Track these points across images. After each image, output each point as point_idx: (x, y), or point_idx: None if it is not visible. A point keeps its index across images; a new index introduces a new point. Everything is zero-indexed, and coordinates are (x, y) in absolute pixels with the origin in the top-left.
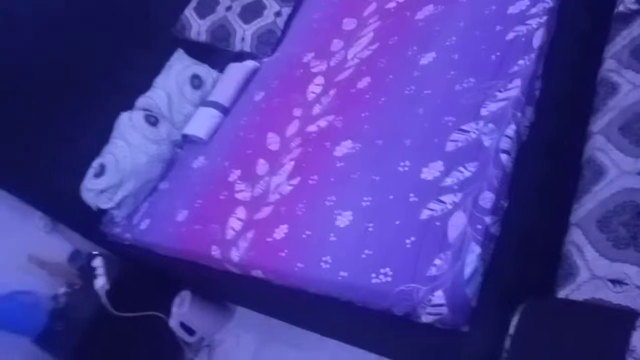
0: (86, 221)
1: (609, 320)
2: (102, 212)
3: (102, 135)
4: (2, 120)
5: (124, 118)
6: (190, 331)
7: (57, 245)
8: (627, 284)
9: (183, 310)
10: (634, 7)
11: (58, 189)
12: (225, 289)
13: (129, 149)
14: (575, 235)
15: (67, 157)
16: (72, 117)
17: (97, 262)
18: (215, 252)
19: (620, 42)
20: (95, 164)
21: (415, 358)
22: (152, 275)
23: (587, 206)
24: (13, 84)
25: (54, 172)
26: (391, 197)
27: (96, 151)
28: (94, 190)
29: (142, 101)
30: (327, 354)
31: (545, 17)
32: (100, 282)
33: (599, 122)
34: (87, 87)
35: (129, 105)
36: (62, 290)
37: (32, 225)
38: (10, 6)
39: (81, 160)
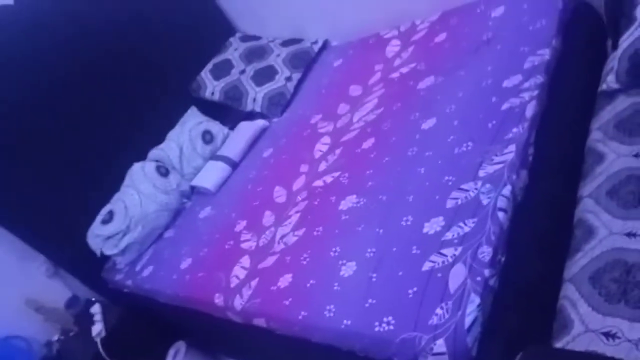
0: (87, 268)
1: None
2: (105, 259)
3: (112, 184)
4: (15, 164)
5: (137, 168)
6: None
7: (56, 291)
8: (619, 338)
9: None
10: (615, 86)
11: (63, 234)
12: (223, 340)
13: (139, 197)
14: (569, 291)
15: (75, 203)
16: (84, 165)
17: (95, 309)
18: (219, 299)
19: (605, 116)
20: (104, 210)
21: None
22: (148, 324)
23: (579, 263)
24: (29, 127)
25: (61, 217)
26: (394, 249)
27: (105, 199)
28: (101, 236)
29: (154, 153)
30: None
31: (536, 91)
32: (97, 329)
33: (588, 187)
34: (101, 136)
35: (141, 157)
36: (56, 336)
37: (33, 268)
38: (32, 60)
39: (89, 207)
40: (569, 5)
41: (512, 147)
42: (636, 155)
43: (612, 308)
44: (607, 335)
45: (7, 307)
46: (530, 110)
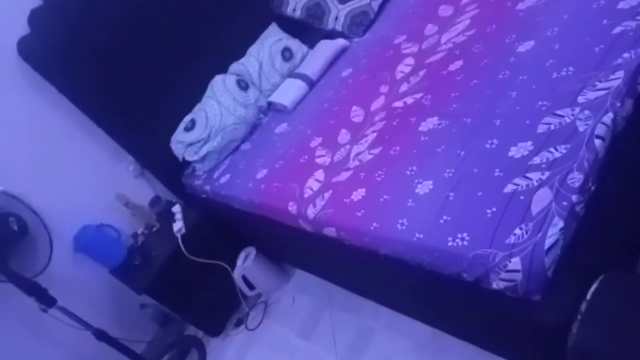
0: (169, 172)
1: None
2: (185, 165)
3: (195, 95)
4: (113, 71)
5: (218, 80)
6: (250, 286)
7: (142, 190)
8: None
9: (247, 264)
10: None
11: (149, 138)
12: (291, 249)
13: (219, 109)
14: None
15: (163, 110)
16: (171, 76)
17: (177, 209)
18: (292, 207)
19: None
20: (187, 118)
21: (477, 327)
22: (222, 228)
23: None
24: (127, 39)
25: (149, 123)
26: (475, 170)
27: (188, 108)
28: (183, 142)
29: (235, 67)
30: (382, 323)
31: None
32: (178, 226)
33: None
34: (187, 49)
35: (222, 70)
36: (141, 230)
37: (123, 168)
38: None
39: (173, 115)
40: None
41: (620, 74)
42: None
43: None
44: None
45: (102, 199)
46: None
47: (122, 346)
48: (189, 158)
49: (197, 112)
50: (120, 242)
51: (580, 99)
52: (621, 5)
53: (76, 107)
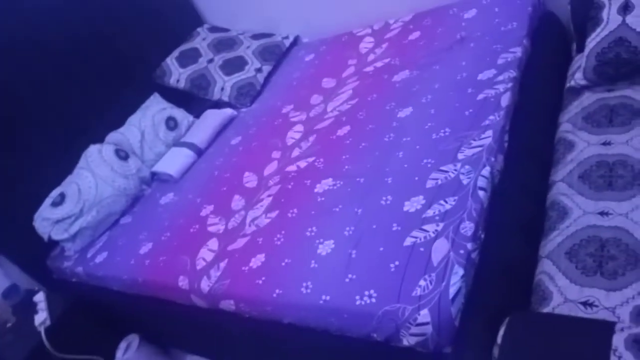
0: (29, 255)
1: (591, 328)
2: (52, 246)
3: (65, 168)
4: None
5: (93, 150)
6: None
7: None
8: (597, 306)
9: (128, 355)
10: (583, 82)
11: (6, 218)
12: (181, 332)
13: (95, 180)
14: (546, 266)
15: (21, 185)
16: (37, 147)
17: (39, 297)
18: (183, 282)
19: (573, 110)
20: (55, 193)
21: None
22: (98, 316)
23: (555, 241)
24: None
25: (4, 199)
26: (374, 226)
27: (55, 183)
28: (50, 219)
29: (113, 136)
30: None
31: (510, 84)
32: (41, 318)
33: (560, 172)
34: (58, 118)
35: (98, 140)
36: None
37: None
38: None
39: (36, 190)
40: (538, 10)
41: (490, 133)
42: (604, 144)
43: (589, 280)
44: (586, 304)
45: None
46: (505, 101)
47: None
48: (56, 237)
49: (67, 185)
50: None
51: (460, 156)
52: (480, 77)
53: None
